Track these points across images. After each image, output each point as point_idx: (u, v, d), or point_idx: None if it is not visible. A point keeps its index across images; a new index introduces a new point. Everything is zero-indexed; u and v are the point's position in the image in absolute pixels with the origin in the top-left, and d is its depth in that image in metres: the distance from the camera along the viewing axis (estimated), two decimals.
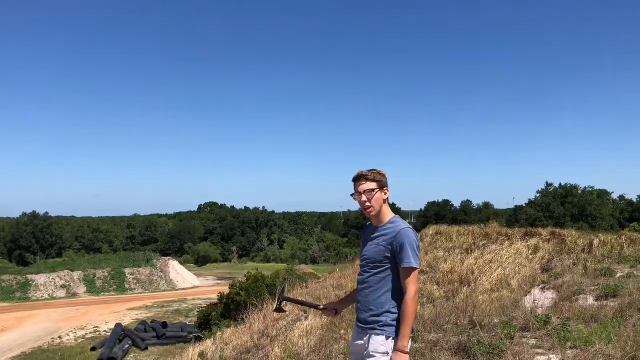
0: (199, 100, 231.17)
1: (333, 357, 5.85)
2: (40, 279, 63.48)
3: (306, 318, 16.83)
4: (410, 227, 2.96)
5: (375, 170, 3.14)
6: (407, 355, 2.80)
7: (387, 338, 2.90)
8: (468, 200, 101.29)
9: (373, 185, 3.08)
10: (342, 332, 12.25)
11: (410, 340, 2.86)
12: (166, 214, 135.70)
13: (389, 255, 2.93)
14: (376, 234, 3.06)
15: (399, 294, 2.92)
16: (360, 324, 3.00)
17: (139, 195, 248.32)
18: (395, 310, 2.92)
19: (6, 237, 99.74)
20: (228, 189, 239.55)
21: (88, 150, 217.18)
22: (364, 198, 3.10)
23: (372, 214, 3.11)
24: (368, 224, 3.25)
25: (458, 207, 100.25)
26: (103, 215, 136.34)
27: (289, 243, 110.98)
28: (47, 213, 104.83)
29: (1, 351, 36.43)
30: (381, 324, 2.92)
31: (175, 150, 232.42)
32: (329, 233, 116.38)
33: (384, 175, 3.12)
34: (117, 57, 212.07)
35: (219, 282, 73.05)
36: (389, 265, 2.94)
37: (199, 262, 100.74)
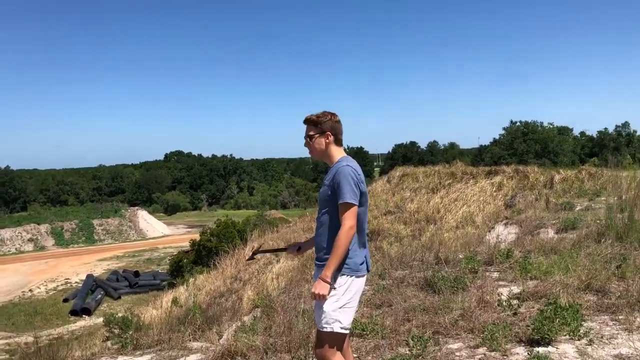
0: (163, 46, 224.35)
1: (303, 297, 5.97)
2: (6, 233, 62.43)
3: (277, 261, 17.10)
4: (351, 165, 2.96)
5: (317, 114, 3.09)
6: (328, 286, 2.83)
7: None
8: (434, 141, 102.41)
9: (313, 130, 3.08)
10: (313, 272, 12.47)
11: (341, 275, 2.90)
12: (132, 164, 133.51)
13: (331, 194, 2.95)
14: (325, 176, 3.11)
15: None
16: (317, 262, 3.05)
17: (103, 146, 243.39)
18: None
19: None
20: (194, 137, 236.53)
21: (48, 100, 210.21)
22: (305, 142, 3.15)
23: (314, 157, 3.17)
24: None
25: (424, 148, 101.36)
26: (67, 167, 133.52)
27: (259, 189, 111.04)
28: (8, 167, 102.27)
29: None
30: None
31: (138, 99, 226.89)
32: (298, 178, 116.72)
33: (326, 119, 3.06)
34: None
35: (189, 230, 73.08)
36: (333, 205, 2.95)
37: (168, 211, 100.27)
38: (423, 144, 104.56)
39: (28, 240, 62.81)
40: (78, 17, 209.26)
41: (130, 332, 6.76)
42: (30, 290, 40.50)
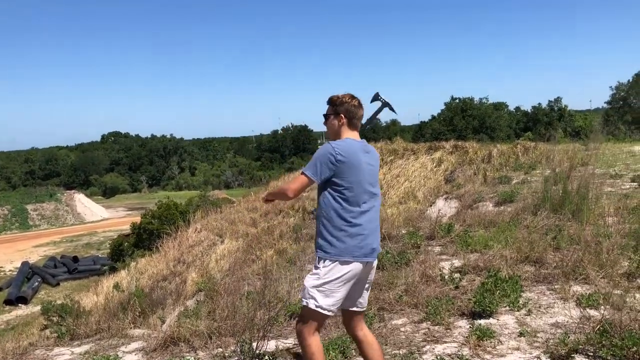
0: (97, 20, 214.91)
1: (247, 279, 5.89)
2: None
3: (221, 242, 16.89)
4: (336, 144, 2.92)
5: (339, 95, 3.11)
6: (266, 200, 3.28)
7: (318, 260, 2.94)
8: (377, 119, 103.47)
9: (330, 110, 3.12)
10: (258, 252, 12.39)
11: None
12: (67, 146, 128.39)
13: None
14: None
15: (323, 214, 2.94)
16: None
17: (34, 128, 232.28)
18: (322, 231, 2.93)
19: None
20: (132, 117, 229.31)
21: None
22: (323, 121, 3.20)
23: (328, 137, 3.16)
24: None
25: (367, 126, 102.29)
26: None
27: (201, 169, 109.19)
28: None
29: None
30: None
31: (71, 77, 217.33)
32: (242, 157, 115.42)
33: (341, 101, 3.06)
34: None
35: (129, 212, 71.18)
36: (322, 188, 2.98)
37: (107, 193, 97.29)
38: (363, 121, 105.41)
39: None
40: None
41: (70, 320, 6.49)
42: None
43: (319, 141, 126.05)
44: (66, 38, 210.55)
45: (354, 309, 3.05)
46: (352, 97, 3.09)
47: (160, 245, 18.83)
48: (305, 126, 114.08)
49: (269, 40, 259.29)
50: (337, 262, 2.85)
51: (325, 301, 2.85)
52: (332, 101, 3.09)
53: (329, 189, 2.90)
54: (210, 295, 5.39)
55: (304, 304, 2.89)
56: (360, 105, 3.09)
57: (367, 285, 3.09)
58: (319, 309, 2.84)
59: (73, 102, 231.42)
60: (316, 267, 2.89)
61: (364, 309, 3.13)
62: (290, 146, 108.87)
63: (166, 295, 11.23)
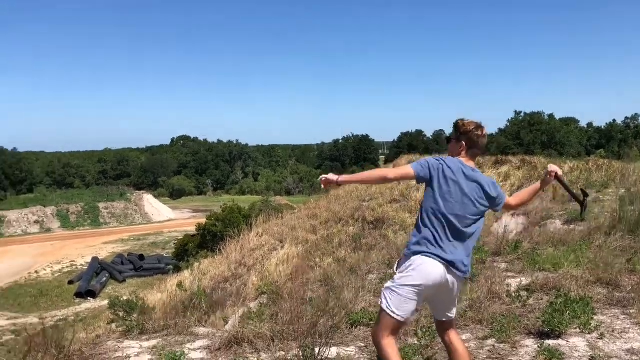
0: (172, 34, 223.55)
1: (309, 284, 5.94)
2: (13, 215, 62.77)
3: (282, 247, 17.06)
4: (448, 158, 3.00)
5: (467, 121, 3.08)
6: (334, 178, 3.11)
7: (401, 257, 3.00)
8: (441, 130, 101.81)
9: (453, 134, 3.12)
10: (317, 260, 12.45)
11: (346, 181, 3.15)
12: (138, 148, 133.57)
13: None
14: None
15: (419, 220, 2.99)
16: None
17: (109, 130, 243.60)
18: (413, 233, 2.97)
19: None
20: (200, 122, 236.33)
21: (54, 83, 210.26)
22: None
23: None
24: None
25: (430, 137, 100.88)
26: (73, 150, 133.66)
27: (263, 175, 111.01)
28: (15, 149, 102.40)
29: None
30: None
31: (146, 83, 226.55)
32: (303, 165, 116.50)
33: (468, 129, 3.03)
34: None
35: (194, 214, 73.22)
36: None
37: (174, 195, 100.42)
38: (429, 133, 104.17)
39: (34, 222, 63.15)
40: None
41: (135, 315, 6.76)
42: (36, 272, 40.79)
43: (380, 151, 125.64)
44: (141, 45, 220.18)
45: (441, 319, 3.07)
46: (478, 126, 3.05)
47: (223, 248, 19.25)
48: (367, 136, 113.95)
49: (332, 54, 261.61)
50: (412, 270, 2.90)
51: (395, 303, 2.81)
52: (457, 126, 3.08)
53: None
54: (273, 298, 5.48)
55: (379, 302, 2.93)
56: (484, 136, 3.06)
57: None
58: (388, 310, 2.82)
59: (145, 105, 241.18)
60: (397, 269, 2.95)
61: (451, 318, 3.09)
62: (351, 155, 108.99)
63: (227, 296, 11.49)
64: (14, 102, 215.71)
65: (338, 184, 3.15)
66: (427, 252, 2.81)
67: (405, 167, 2.97)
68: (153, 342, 4.52)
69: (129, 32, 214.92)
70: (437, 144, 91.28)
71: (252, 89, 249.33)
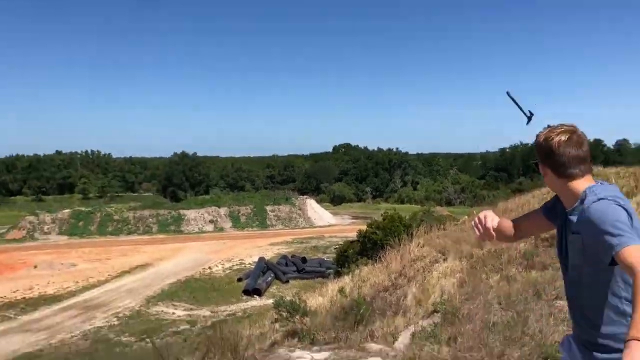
0: (332, 45, 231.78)
1: (490, 305, 5.37)
2: (191, 214, 69.14)
3: (444, 260, 16.36)
4: (608, 197, 1.92)
5: (542, 133, 2.16)
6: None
7: None
8: (624, 139, 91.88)
9: (538, 156, 2.18)
10: (483, 276, 11.62)
11: None
12: (302, 155, 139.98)
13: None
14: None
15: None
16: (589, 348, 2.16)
17: (276, 137, 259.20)
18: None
19: (160, 175, 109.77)
20: (361, 130, 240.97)
21: (229, 94, 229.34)
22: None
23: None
24: None
25: (612, 147, 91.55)
26: (244, 155, 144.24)
27: (423, 184, 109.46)
28: (195, 153, 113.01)
29: (160, 277, 40.54)
30: None
31: (309, 92, 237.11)
32: (465, 175, 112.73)
33: (540, 143, 2.13)
34: None
35: (354, 220, 74.38)
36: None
37: (334, 201, 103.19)
38: (610, 142, 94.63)
39: (209, 221, 68.84)
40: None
41: (298, 317, 6.78)
42: (209, 268, 44.19)
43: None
44: (314, 52, 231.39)
45: None
46: (561, 130, 2.12)
47: (383, 256, 19.03)
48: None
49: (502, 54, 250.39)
50: None
51: None
52: (536, 144, 2.19)
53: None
54: (448, 319, 5.05)
55: None
56: (570, 142, 2.10)
57: None
58: None
59: (309, 113, 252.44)
60: None
61: None
62: (519, 165, 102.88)
63: (386, 306, 11.19)
64: (193, 109, 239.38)
65: (489, 238, 2.26)
66: None
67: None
68: (324, 355, 4.37)
69: (306, 40, 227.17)
70: (619, 154, 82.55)
71: (411, 97, 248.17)
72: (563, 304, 5.75)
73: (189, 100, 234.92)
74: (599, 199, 1.90)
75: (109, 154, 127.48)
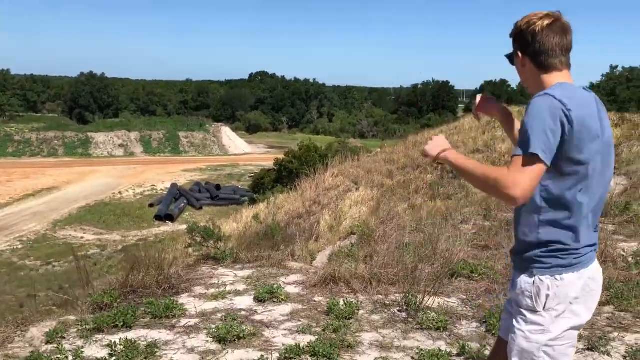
0: None
1: (404, 228, 5.74)
2: (100, 137, 66.14)
3: (357, 189, 16.96)
4: (556, 94, 1.75)
5: (523, 18, 1.91)
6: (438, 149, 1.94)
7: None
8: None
9: (515, 46, 1.94)
10: (392, 204, 12.25)
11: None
12: (218, 81, 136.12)
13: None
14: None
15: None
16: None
17: (190, 61, 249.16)
18: None
19: (66, 96, 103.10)
20: (278, 58, 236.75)
21: (142, 12, 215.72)
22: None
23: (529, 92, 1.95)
24: None
25: (515, 88, 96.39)
26: (157, 79, 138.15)
27: (338, 116, 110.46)
28: (103, 74, 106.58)
29: (68, 201, 39.01)
30: None
31: (227, 16, 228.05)
32: (379, 109, 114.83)
33: (521, 28, 1.89)
34: None
35: (269, 150, 74.33)
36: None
37: (250, 130, 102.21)
38: (514, 83, 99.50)
39: (119, 145, 66.27)
40: None
41: (212, 242, 6.91)
42: (120, 193, 43.01)
43: (459, 99, 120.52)
44: None
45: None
46: (538, 17, 1.91)
47: (298, 185, 19.40)
48: (447, 82, 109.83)
49: None
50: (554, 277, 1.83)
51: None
52: (513, 29, 1.95)
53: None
54: (364, 240, 5.35)
55: None
56: (551, 27, 1.86)
57: None
58: None
59: (225, 38, 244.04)
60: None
61: None
62: (429, 102, 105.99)
63: (300, 232, 11.59)
64: (101, 30, 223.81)
65: (436, 160, 1.95)
66: None
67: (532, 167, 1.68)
68: (247, 272, 4.53)
69: None
70: (521, 95, 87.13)
71: (333, 28, 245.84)
72: (468, 227, 6.26)
73: (98, 16, 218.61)
74: (545, 94, 1.75)
75: (8, 69, 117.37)
